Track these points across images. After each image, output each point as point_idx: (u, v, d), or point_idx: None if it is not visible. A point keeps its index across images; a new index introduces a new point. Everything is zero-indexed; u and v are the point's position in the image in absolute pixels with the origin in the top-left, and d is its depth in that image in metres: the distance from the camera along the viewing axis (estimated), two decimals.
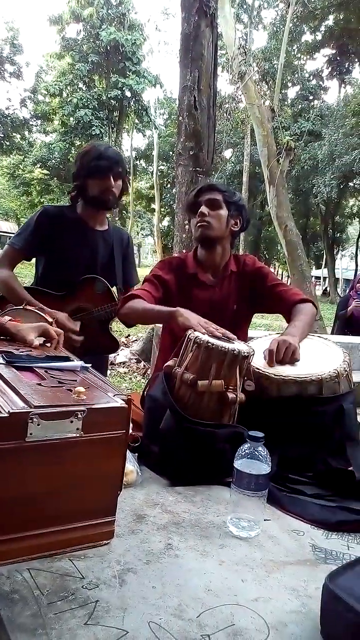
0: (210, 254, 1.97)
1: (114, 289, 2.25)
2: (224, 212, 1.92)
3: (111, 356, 6.72)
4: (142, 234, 43.81)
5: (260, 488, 1.12)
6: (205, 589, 0.92)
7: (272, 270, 2.22)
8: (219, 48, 5.07)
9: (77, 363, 1.24)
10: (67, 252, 2.15)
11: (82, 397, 0.98)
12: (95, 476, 1.00)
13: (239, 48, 10.42)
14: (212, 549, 1.07)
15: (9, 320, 1.43)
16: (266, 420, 1.38)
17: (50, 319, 1.80)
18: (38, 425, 0.90)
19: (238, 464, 1.14)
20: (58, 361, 1.24)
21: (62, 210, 2.24)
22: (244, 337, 1.99)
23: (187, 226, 4.51)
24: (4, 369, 1.11)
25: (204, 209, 1.91)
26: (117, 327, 8.57)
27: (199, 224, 1.91)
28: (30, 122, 26.02)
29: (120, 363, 6.44)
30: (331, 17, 19.46)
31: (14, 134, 25.03)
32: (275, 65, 15.77)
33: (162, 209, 28.51)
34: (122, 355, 6.72)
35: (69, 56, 24.16)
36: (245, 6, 18.99)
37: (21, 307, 1.82)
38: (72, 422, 0.94)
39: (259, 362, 1.61)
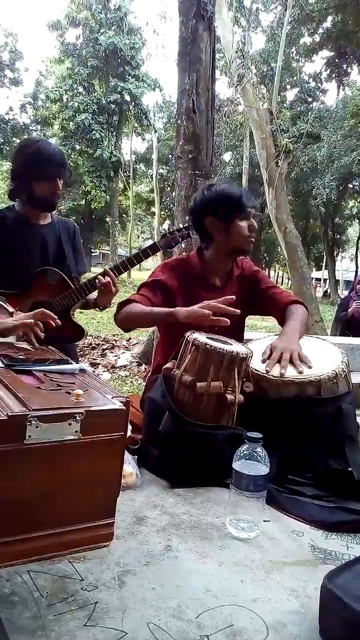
0: (229, 263, 1.98)
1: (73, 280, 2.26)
2: None
3: (112, 359, 6.74)
4: (143, 237, 43.84)
5: (259, 489, 1.13)
6: (204, 590, 0.93)
7: (269, 273, 2.23)
8: (217, 51, 5.09)
9: (75, 366, 1.24)
10: (17, 253, 2.15)
11: (80, 400, 0.99)
12: (94, 478, 1.00)
13: (237, 51, 10.46)
14: (211, 550, 1.07)
15: None
16: (265, 421, 1.38)
17: (10, 309, 1.80)
18: (36, 427, 0.91)
19: (237, 465, 1.14)
20: (57, 364, 1.25)
21: (3, 213, 2.22)
22: (241, 338, 2.02)
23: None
24: (3, 373, 1.12)
25: (254, 224, 1.92)
26: (82, 316, 8.57)
27: (250, 239, 1.91)
28: (30, 127, 26.06)
29: (121, 366, 6.44)
30: (329, 19, 19.50)
31: (14, 139, 25.07)
32: (274, 68, 15.81)
33: (162, 212, 28.57)
34: (123, 358, 6.73)
35: (69, 61, 24.24)
36: (243, 9, 19.02)
37: None
38: (70, 424, 0.94)
39: (257, 363, 1.62)
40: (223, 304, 1.56)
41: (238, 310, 1.59)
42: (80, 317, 2.41)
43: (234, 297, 1.62)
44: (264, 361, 1.63)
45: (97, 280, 2.14)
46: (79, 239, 2.42)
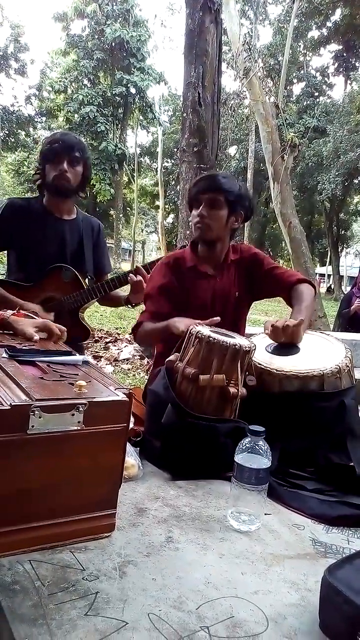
0: (210, 250, 1.98)
1: (87, 281, 2.26)
2: (224, 212, 1.90)
3: (115, 352, 6.74)
4: (147, 231, 43.81)
5: (260, 482, 1.13)
6: (205, 581, 0.93)
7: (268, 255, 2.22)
8: (223, 44, 5.05)
9: (78, 357, 1.24)
10: (36, 244, 2.15)
11: (83, 391, 0.99)
12: (96, 469, 1.00)
13: (243, 44, 10.38)
14: (212, 542, 1.07)
15: (12, 314, 1.44)
16: (268, 415, 1.38)
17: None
18: (39, 417, 0.91)
19: (239, 458, 1.14)
20: (60, 355, 1.25)
21: (29, 202, 2.24)
22: (243, 324, 2.04)
23: (190, 223, 4.51)
24: (7, 363, 1.12)
25: (203, 210, 1.88)
26: (90, 315, 8.59)
27: (197, 225, 1.90)
28: (35, 119, 26.00)
29: (124, 360, 6.44)
30: (337, 12, 19.37)
31: (19, 130, 25.02)
32: (281, 62, 15.71)
33: (166, 206, 28.49)
34: (125, 351, 6.73)
35: (74, 53, 24.13)
36: (250, 2, 18.89)
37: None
38: (73, 415, 0.94)
39: (260, 357, 1.62)
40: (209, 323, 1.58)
41: (218, 318, 1.60)
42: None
43: (219, 318, 1.61)
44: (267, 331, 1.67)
45: (129, 277, 2.16)
46: (102, 238, 2.41)
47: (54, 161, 2.10)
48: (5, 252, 2.28)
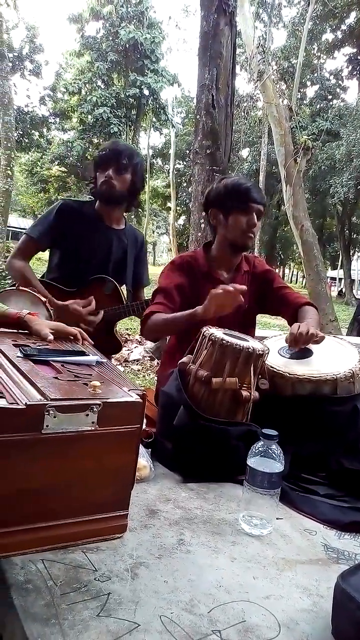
0: (234, 256, 1.98)
1: (122, 287, 2.27)
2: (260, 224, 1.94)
3: (125, 353, 6.76)
4: (158, 233, 43.90)
5: (273, 486, 1.12)
6: (216, 585, 0.93)
7: (284, 270, 2.24)
8: (237, 46, 5.05)
9: (92, 358, 1.25)
10: (82, 248, 2.17)
11: (97, 391, 0.99)
12: (109, 470, 1.00)
13: (257, 47, 10.37)
14: (223, 545, 1.07)
15: (28, 313, 1.45)
16: (280, 418, 1.38)
17: (43, 299, 1.82)
18: (54, 417, 0.91)
19: (251, 461, 1.14)
20: (74, 355, 1.26)
21: (81, 206, 2.26)
22: (252, 335, 2.01)
23: (202, 225, 4.51)
24: (22, 362, 1.12)
25: (256, 220, 1.89)
26: (125, 327, 8.61)
27: (249, 234, 1.89)
28: (49, 120, 26.11)
29: (134, 360, 6.45)
30: (352, 15, 19.28)
31: (32, 131, 25.11)
32: (294, 64, 15.68)
33: (178, 208, 28.52)
34: (136, 352, 6.74)
35: (88, 54, 24.24)
36: (265, 4, 18.87)
37: (14, 287, 1.85)
38: (87, 415, 0.94)
39: (273, 360, 1.61)
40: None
41: (242, 299, 1.58)
42: None
43: (244, 287, 1.60)
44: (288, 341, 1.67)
45: None
46: (145, 251, 2.44)
47: (102, 168, 2.14)
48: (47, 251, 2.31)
